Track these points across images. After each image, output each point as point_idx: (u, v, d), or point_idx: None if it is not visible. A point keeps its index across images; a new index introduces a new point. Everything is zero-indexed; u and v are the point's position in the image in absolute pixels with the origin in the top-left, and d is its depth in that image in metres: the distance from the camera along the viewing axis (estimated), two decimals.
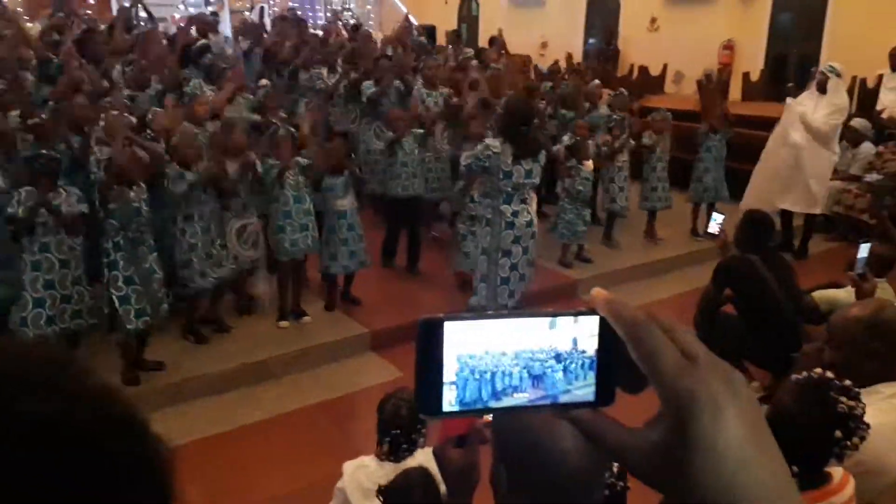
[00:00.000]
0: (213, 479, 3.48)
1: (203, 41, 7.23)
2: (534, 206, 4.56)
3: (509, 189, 4.28)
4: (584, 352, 0.50)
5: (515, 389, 0.49)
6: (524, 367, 0.49)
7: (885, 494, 1.86)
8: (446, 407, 0.48)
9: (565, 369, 0.50)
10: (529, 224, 4.41)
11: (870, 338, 2.17)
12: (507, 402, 0.49)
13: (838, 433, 1.76)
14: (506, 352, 0.49)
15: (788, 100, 6.54)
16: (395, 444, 2.29)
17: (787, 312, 3.84)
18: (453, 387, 0.48)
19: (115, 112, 4.55)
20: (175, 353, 4.32)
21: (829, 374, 1.85)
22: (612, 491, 1.74)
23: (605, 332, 0.49)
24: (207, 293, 4.50)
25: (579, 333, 0.50)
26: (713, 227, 4.22)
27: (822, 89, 6.22)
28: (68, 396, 0.47)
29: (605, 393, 0.51)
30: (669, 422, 0.45)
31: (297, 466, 3.49)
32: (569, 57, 7.79)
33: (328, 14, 13.26)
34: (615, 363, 0.50)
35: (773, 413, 1.88)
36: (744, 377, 0.47)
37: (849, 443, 1.77)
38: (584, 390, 0.50)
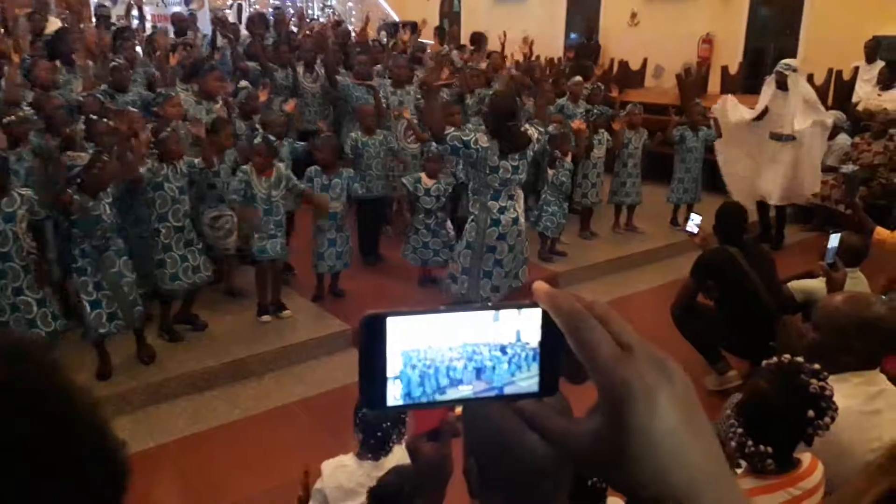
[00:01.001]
0: (194, 477, 3.48)
1: (180, 40, 7.19)
2: (521, 204, 4.54)
3: (496, 185, 4.28)
4: (527, 344, 0.51)
5: (460, 382, 0.50)
6: (468, 360, 0.50)
7: (851, 482, 1.89)
8: (391, 402, 0.49)
9: (509, 361, 0.51)
10: (515, 221, 4.40)
11: (852, 334, 2.21)
12: (451, 395, 0.50)
13: (811, 413, 1.80)
14: (450, 346, 0.49)
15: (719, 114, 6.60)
16: (379, 442, 2.28)
17: (766, 302, 3.90)
18: (398, 381, 0.49)
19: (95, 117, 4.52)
20: (154, 352, 4.29)
21: (799, 359, 1.89)
22: (594, 486, 1.77)
23: (548, 324, 0.50)
24: (179, 295, 4.48)
25: (522, 326, 0.51)
26: (691, 227, 4.27)
27: (784, 87, 6.28)
28: (39, 366, 0.48)
29: (548, 384, 0.52)
30: (606, 410, 0.47)
31: (279, 463, 3.49)
32: (531, 44, 7.79)
33: (311, 10, 13.18)
34: (558, 354, 0.51)
35: (747, 397, 1.92)
36: (679, 365, 0.48)
37: (821, 422, 1.81)
38: (528, 381, 0.51)
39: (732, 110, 6.62)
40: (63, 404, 0.50)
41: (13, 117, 4.07)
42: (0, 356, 0.49)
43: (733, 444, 1.85)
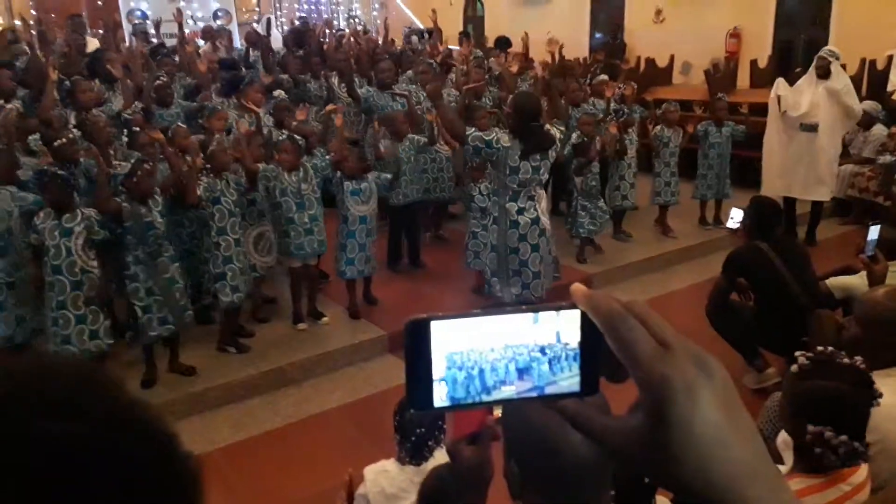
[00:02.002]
0: (237, 485, 3.54)
1: (223, 55, 7.33)
2: (543, 204, 4.54)
3: (515, 186, 4.28)
4: (567, 344, 0.52)
5: (503, 383, 0.51)
6: (510, 361, 0.51)
7: None
8: (437, 403, 0.51)
9: (550, 362, 0.52)
10: (535, 221, 4.38)
11: (891, 332, 2.18)
12: (495, 395, 0.51)
13: (876, 386, 1.81)
14: (492, 347, 0.51)
15: (781, 91, 6.45)
16: (416, 446, 2.30)
17: (798, 297, 3.84)
18: (443, 383, 0.51)
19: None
20: (196, 362, 4.38)
21: (820, 348, 1.86)
22: (641, 485, 1.76)
23: (587, 324, 0.51)
24: (237, 306, 4.56)
25: (562, 327, 0.52)
26: (732, 224, 4.23)
27: (826, 74, 6.15)
28: (89, 416, 0.47)
29: (589, 383, 0.53)
30: (647, 407, 0.47)
31: (320, 469, 3.53)
32: (560, 46, 7.75)
33: (337, 20, 13.30)
34: (598, 354, 0.52)
35: (817, 403, 1.81)
36: (719, 362, 0.48)
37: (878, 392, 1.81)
38: (569, 381, 0.52)
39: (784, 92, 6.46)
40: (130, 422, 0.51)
41: (63, 140, 4.18)
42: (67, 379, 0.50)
43: (830, 455, 1.76)
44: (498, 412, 1.25)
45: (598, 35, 12.99)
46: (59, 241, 3.71)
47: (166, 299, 4.02)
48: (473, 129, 4.57)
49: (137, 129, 4.63)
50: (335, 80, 6.79)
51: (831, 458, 1.75)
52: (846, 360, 1.82)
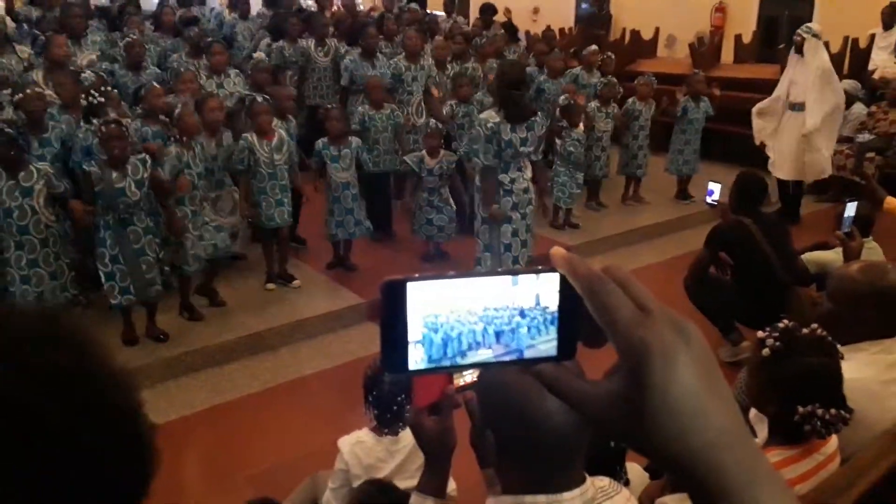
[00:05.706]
0: (215, 448, 3.55)
1: (189, 12, 7.15)
2: (529, 173, 4.58)
3: (508, 157, 4.34)
4: (546, 308, 0.51)
5: (480, 346, 0.50)
6: (488, 324, 0.50)
7: (869, 449, 1.90)
8: (412, 366, 0.50)
9: (528, 325, 0.51)
10: (526, 191, 4.48)
11: (866, 304, 2.19)
12: (472, 358, 0.50)
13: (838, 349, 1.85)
14: (470, 310, 0.50)
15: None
16: (393, 415, 2.27)
17: (779, 274, 3.89)
18: (419, 346, 0.49)
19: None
20: (173, 327, 4.35)
21: (781, 325, 1.87)
22: (613, 449, 1.78)
23: (566, 288, 0.50)
24: (199, 270, 4.49)
25: (541, 290, 0.51)
26: (711, 199, 4.27)
27: (800, 51, 6.10)
28: (77, 349, 0.51)
29: (566, 347, 0.52)
30: (625, 371, 0.47)
31: (297, 434, 3.55)
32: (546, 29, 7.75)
33: None
34: (576, 318, 0.51)
35: (797, 380, 1.80)
36: (697, 328, 0.48)
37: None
38: (547, 345, 0.51)
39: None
40: (94, 388, 0.52)
41: (21, 95, 4.05)
42: (37, 339, 0.51)
43: (821, 429, 1.75)
44: (459, 381, 1.25)
45: (584, 5, 12.87)
46: (22, 202, 3.64)
47: (131, 270, 3.92)
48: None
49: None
50: (311, 44, 6.68)
51: (821, 431, 1.75)
52: (806, 331, 1.84)
